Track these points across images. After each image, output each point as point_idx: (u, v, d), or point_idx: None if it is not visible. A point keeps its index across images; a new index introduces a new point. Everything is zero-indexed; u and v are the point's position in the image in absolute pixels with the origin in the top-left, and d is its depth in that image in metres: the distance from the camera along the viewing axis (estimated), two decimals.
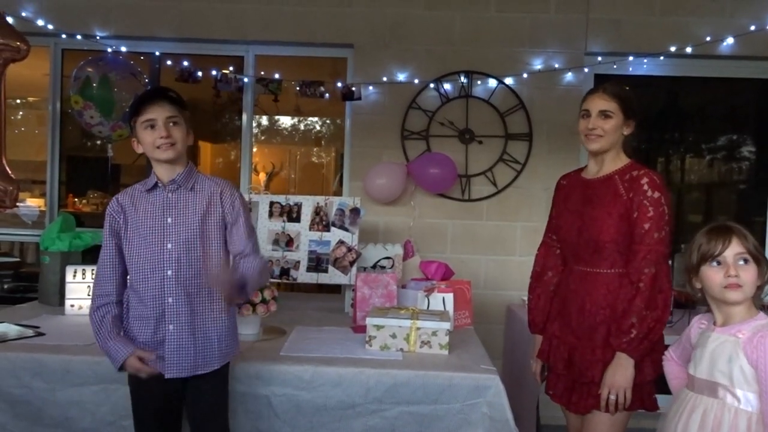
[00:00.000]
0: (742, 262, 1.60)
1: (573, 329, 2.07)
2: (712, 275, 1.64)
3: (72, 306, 2.76)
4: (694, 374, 1.68)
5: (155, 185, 1.92)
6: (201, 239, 1.88)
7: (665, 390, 1.97)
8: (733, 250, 1.61)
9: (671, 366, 1.88)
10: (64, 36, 3.77)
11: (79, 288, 2.77)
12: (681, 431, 1.65)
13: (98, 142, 5.26)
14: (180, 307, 1.86)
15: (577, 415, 2.11)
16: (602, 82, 3.83)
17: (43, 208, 4.28)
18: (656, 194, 1.95)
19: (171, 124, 1.86)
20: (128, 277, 1.93)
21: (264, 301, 2.43)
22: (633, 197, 1.97)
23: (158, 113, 1.85)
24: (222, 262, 1.89)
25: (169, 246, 1.86)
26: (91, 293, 2.71)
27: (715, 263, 1.63)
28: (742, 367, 1.55)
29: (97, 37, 3.80)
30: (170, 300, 1.85)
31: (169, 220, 1.88)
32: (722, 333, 1.62)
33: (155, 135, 1.85)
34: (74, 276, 2.77)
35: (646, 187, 1.96)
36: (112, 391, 2.06)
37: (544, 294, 2.22)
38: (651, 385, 2.01)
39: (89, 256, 3.17)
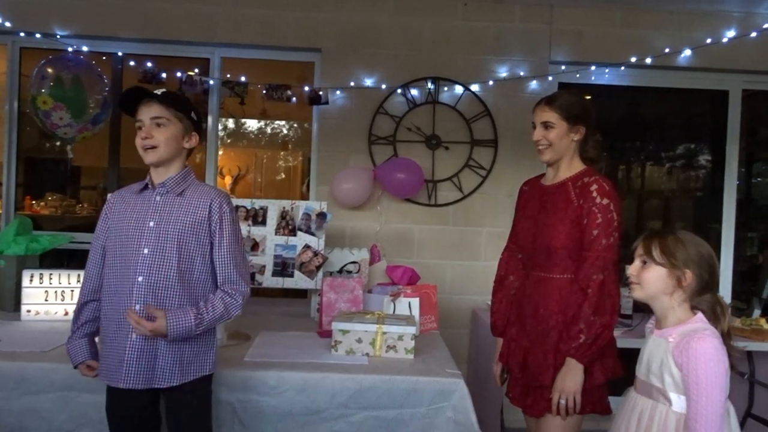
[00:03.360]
0: (642, 263, 1.71)
1: (528, 333, 2.11)
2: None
3: (28, 312, 2.68)
4: (637, 374, 1.77)
5: (146, 186, 1.88)
6: (179, 248, 1.80)
7: (619, 392, 2.02)
8: (637, 252, 1.74)
9: None
10: (22, 34, 3.67)
11: (36, 293, 2.69)
12: (623, 430, 1.74)
13: (57, 143, 5.14)
14: (146, 316, 1.75)
15: (532, 418, 2.14)
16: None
17: None
18: (605, 201, 1.99)
19: (155, 125, 1.81)
20: (104, 278, 1.86)
21: None
22: (583, 204, 2.01)
23: (144, 113, 1.82)
24: (152, 311, 1.74)
25: (146, 251, 1.80)
26: (48, 298, 2.69)
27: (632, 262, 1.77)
28: (672, 371, 1.62)
29: (57, 36, 3.71)
30: (137, 308, 1.76)
31: (152, 224, 1.82)
32: (658, 336, 1.70)
33: (139, 135, 1.83)
34: (31, 280, 2.69)
35: (595, 194, 2.00)
36: (69, 399, 2.01)
37: (505, 298, 2.25)
38: (603, 389, 2.04)
39: (47, 260, 3.09)
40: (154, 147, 1.81)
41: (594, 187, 2.01)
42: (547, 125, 2.08)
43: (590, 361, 1.95)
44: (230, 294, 1.85)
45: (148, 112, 1.82)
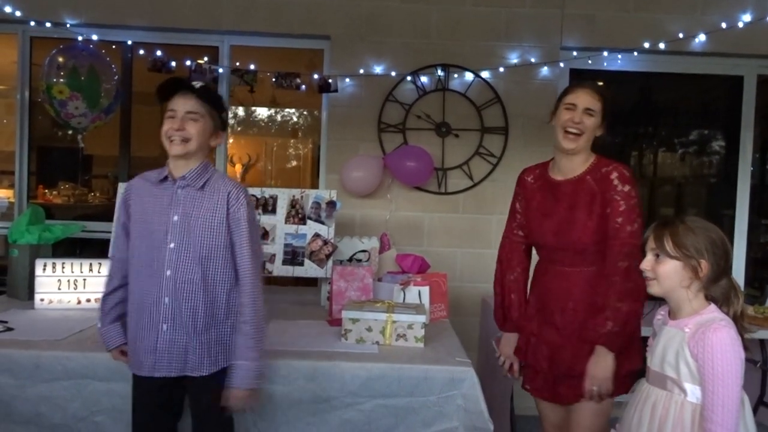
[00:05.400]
0: (655, 257, 1.68)
1: (557, 328, 2.08)
2: None
3: (42, 300, 2.70)
4: (650, 366, 1.75)
5: (165, 178, 1.88)
6: (201, 242, 1.84)
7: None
8: (649, 245, 1.71)
9: None
10: (32, 23, 3.68)
11: (49, 282, 2.71)
12: (636, 421, 1.72)
13: (69, 132, 5.16)
14: (176, 308, 1.83)
15: (556, 405, 2.15)
16: (578, 77, 3.89)
17: (12, 200, 4.18)
18: (627, 188, 1.98)
19: (190, 119, 1.83)
20: (129, 267, 1.90)
21: None
22: (605, 194, 2.00)
23: (180, 105, 1.83)
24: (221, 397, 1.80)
25: (172, 245, 1.83)
26: (61, 287, 2.71)
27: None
28: (687, 361, 1.61)
29: (68, 25, 3.71)
30: (167, 300, 1.82)
31: (176, 218, 1.84)
32: (673, 327, 1.69)
33: (170, 125, 1.83)
34: (44, 269, 2.71)
35: (616, 182, 1.99)
36: (83, 387, 2.04)
37: (518, 291, 2.22)
38: (636, 373, 2.04)
39: (59, 249, 3.11)
40: (186, 140, 1.83)
41: (615, 175, 2.00)
42: (590, 112, 2.04)
43: (620, 348, 1.94)
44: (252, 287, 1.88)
45: (184, 105, 1.83)
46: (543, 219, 2.14)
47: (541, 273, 2.18)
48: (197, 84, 1.86)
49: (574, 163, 2.10)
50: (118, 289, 1.93)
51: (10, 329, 2.30)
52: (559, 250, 2.09)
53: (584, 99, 2.05)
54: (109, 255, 1.96)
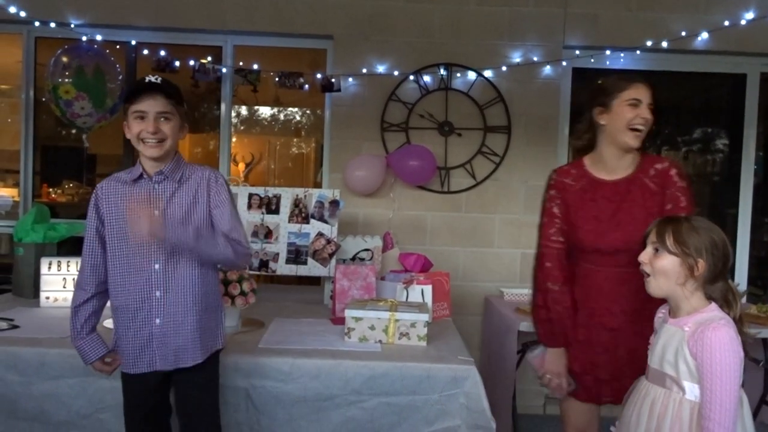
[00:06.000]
0: (654, 251, 1.70)
1: (614, 331, 2.01)
2: None
3: (47, 298, 2.72)
4: (649, 363, 1.76)
5: (140, 176, 1.87)
6: (189, 229, 1.83)
7: None
8: (650, 238, 1.72)
9: None
10: (37, 23, 3.70)
11: (55, 280, 2.73)
12: (635, 418, 1.73)
13: (73, 131, 5.19)
14: (167, 301, 1.83)
15: (587, 407, 2.10)
16: (581, 76, 3.88)
17: (16, 199, 4.20)
18: (684, 183, 2.01)
19: (162, 119, 1.82)
20: (110, 269, 1.87)
21: (243, 293, 2.43)
22: (665, 190, 2.00)
23: (150, 106, 1.80)
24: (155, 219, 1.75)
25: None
26: (66, 285, 2.72)
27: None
28: (687, 360, 1.62)
29: (72, 25, 3.73)
30: (158, 294, 1.83)
31: (156, 212, 1.83)
32: (672, 325, 1.69)
33: (142, 127, 1.81)
34: (49, 268, 2.73)
35: (676, 178, 2.01)
36: (88, 384, 2.05)
37: (564, 303, 2.06)
38: None
39: (64, 247, 3.13)
40: (162, 140, 1.82)
41: (674, 171, 2.01)
42: (650, 107, 2.00)
43: None
44: (237, 241, 1.87)
45: (153, 105, 1.80)
46: (598, 222, 2.02)
47: (590, 276, 2.05)
48: (157, 78, 1.82)
49: (625, 162, 2.05)
50: (92, 299, 1.89)
51: (15, 327, 2.32)
52: (618, 252, 1.99)
53: (647, 94, 1.98)
54: (81, 263, 1.91)
